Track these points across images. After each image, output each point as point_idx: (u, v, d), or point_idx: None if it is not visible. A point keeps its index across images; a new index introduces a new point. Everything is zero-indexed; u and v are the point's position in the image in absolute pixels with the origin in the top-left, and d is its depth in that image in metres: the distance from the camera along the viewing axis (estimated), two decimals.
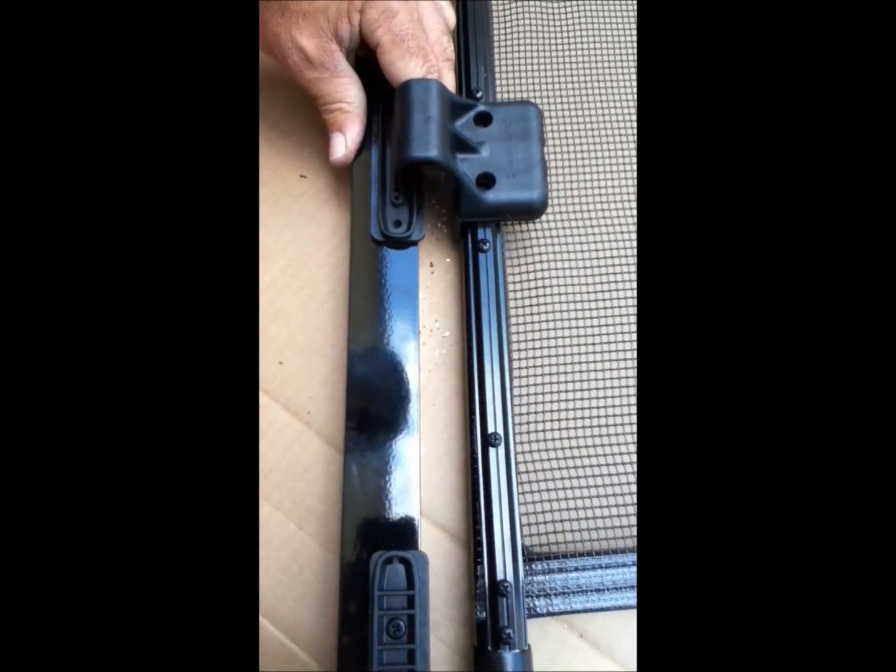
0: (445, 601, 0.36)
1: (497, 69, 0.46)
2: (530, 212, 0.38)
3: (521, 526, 0.34)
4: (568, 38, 0.47)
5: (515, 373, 0.38)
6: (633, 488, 0.35)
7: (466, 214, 0.39)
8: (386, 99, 0.40)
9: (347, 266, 0.40)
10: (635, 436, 0.37)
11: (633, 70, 0.46)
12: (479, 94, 0.43)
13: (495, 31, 0.47)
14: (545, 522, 0.35)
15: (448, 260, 0.44)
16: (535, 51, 0.46)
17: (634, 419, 0.37)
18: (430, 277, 0.43)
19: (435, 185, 0.43)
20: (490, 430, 0.35)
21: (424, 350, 0.42)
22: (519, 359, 0.39)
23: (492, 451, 0.35)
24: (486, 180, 0.39)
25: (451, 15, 0.43)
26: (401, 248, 0.40)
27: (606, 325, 0.39)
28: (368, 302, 0.38)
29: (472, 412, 0.36)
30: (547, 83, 0.46)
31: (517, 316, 0.40)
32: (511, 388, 0.37)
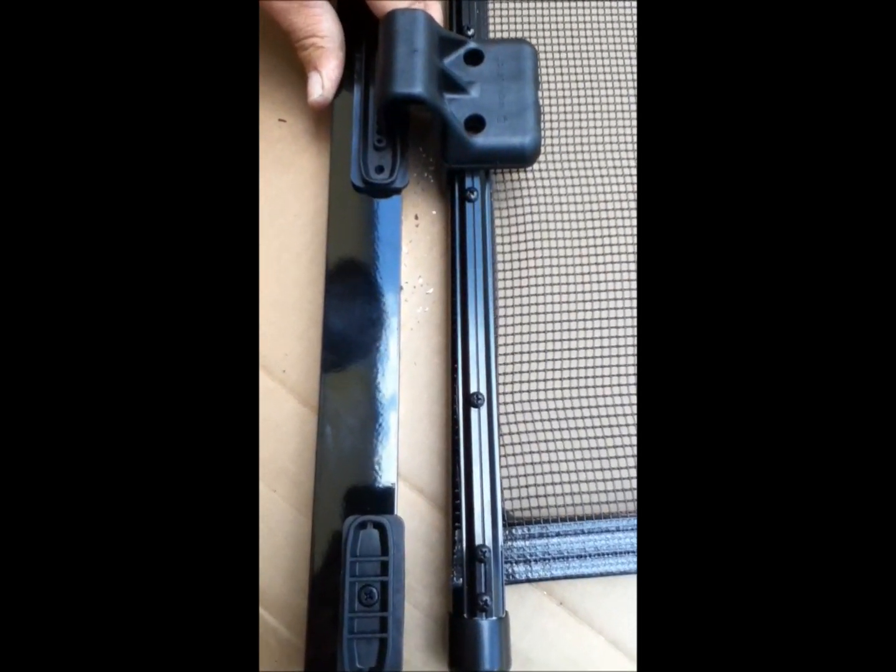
0: (422, 566, 0.35)
1: (490, 6, 0.42)
2: (521, 158, 0.36)
3: (503, 490, 0.33)
4: None
5: (501, 331, 0.36)
6: (620, 452, 0.34)
7: (454, 160, 0.36)
8: (370, 33, 0.37)
9: (326, 215, 0.38)
10: (625, 398, 0.35)
11: (636, 9, 0.43)
12: (470, 32, 0.40)
13: None
14: (527, 486, 0.33)
15: (434, 212, 0.41)
16: None
17: (625, 380, 0.35)
18: (415, 230, 0.41)
19: (422, 131, 0.40)
20: (472, 389, 0.33)
21: (406, 307, 0.39)
22: (505, 315, 0.36)
23: (473, 411, 0.33)
24: (476, 123, 0.36)
25: None
26: (383, 196, 0.37)
27: (600, 282, 0.37)
28: (346, 252, 0.36)
29: (455, 370, 0.34)
30: (544, 21, 0.42)
31: (505, 271, 0.38)
32: (496, 347, 0.35)
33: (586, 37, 0.42)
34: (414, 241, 0.41)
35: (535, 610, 0.34)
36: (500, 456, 0.33)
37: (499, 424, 0.33)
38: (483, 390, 0.33)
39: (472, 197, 0.37)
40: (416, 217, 0.41)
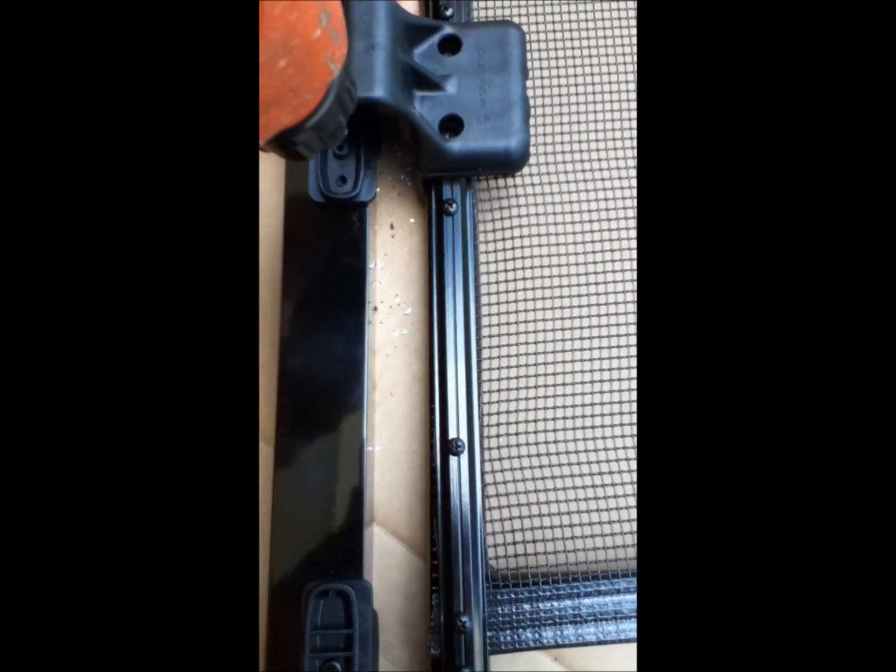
0: (399, 620, 0.32)
1: None
2: (507, 164, 0.31)
3: (486, 547, 0.29)
4: None
5: (485, 363, 0.32)
6: (618, 503, 0.30)
7: (428, 168, 0.32)
8: None
9: None
10: (626, 439, 0.31)
11: None
12: (448, 12, 0.35)
13: None
14: (514, 543, 0.30)
15: (412, 220, 0.37)
16: None
17: (626, 420, 0.31)
18: (391, 242, 0.37)
19: (398, 127, 0.35)
20: (452, 434, 0.30)
21: (382, 330, 0.35)
22: (490, 346, 0.32)
23: (453, 460, 0.29)
24: (453, 124, 0.31)
25: None
26: (347, 212, 0.33)
27: (599, 305, 0.33)
28: (304, 277, 0.32)
29: (432, 412, 0.31)
30: (535, 3, 0.37)
31: (490, 294, 0.33)
32: (479, 384, 0.31)
33: (586, 21, 0.37)
34: (390, 253, 0.36)
35: (528, 663, 0.31)
36: (486, 508, 0.29)
37: (482, 473, 0.29)
38: (464, 435, 0.30)
39: (451, 209, 0.32)
40: (392, 227, 0.37)
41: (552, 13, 0.37)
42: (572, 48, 0.36)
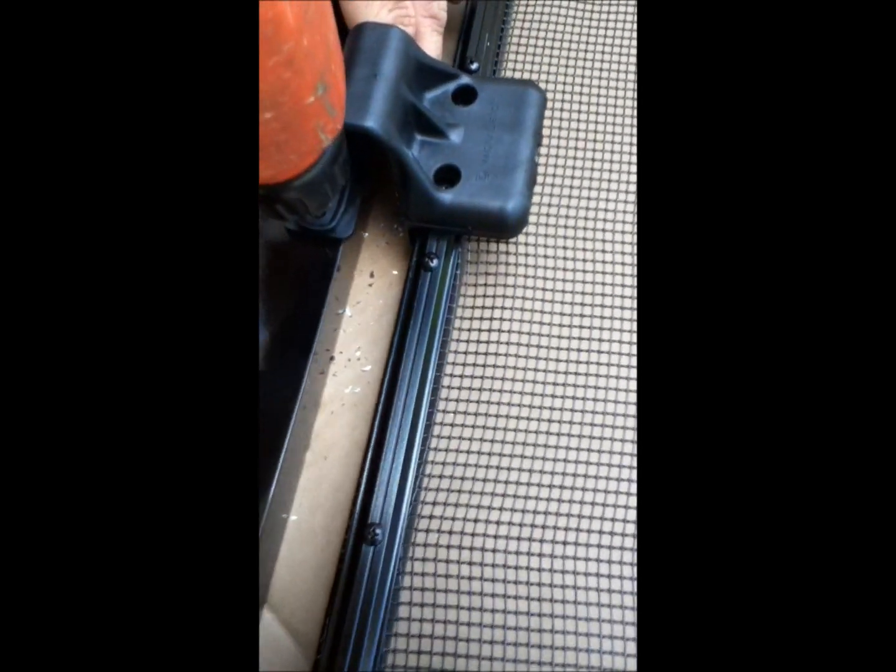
0: None
1: (508, 44, 0.35)
2: (500, 226, 0.28)
3: (387, 651, 0.24)
4: (604, 29, 0.36)
5: (433, 442, 0.28)
6: (584, 626, 0.24)
7: (415, 216, 0.29)
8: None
9: None
10: (581, 564, 0.26)
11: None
12: (473, 66, 0.33)
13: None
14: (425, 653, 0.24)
15: (395, 272, 0.34)
16: (560, 31, 0.36)
17: (590, 540, 0.26)
18: (366, 291, 0.33)
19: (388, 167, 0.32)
20: (372, 518, 0.25)
21: (333, 384, 0.31)
22: (442, 424, 0.28)
23: (366, 550, 0.24)
24: (449, 175, 0.28)
25: None
26: (318, 245, 0.29)
27: (581, 400, 0.28)
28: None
29: (358, 489, 0.26)
30: (563, 72, 0.35)
31: (455, 365, 0.29)
32: (418, 466, 0.26)
33: (611, 93, 0.35)
34: (363, 303, 0.33)
35: None
36: (391, 619, 0.24)
37: (396, 573, 0.24)
38: (387, 521, 0.25)
39: (432, 264, 0.29)
40: (372, 275, 0.34)
41: (580, 85, 0.35)
42: (593, 125, 0.34)
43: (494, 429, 0.28)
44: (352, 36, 0.27)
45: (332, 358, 0.32)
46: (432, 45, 0.30)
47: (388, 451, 0.26)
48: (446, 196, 0.28)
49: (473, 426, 0.28)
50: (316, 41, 0.18)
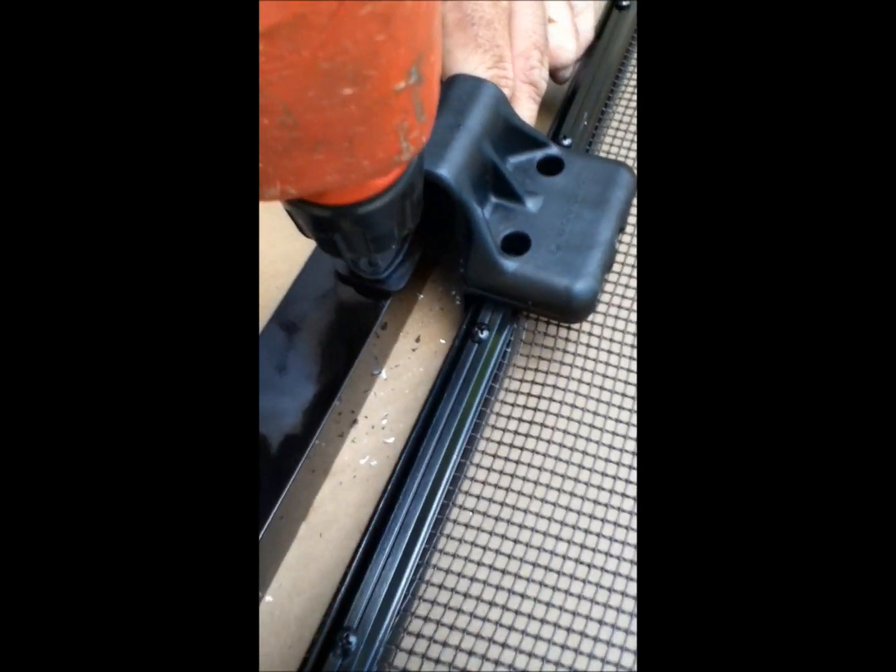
0: None
1: (607, 127, 0.33)
2: (564, 307, 0.24)
3: None
4: None
5: (442, 541, 0.23)
6: None
7: (473, 281, 0.26)
8: None
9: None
10: None
11: None
12: (566, 142, 0.31)
13: (628, 76, 0.35)
14: None
15: (443, 341, 0.30)
16: None
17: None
18: (408, 356, 0.30)
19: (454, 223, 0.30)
20: (348, 622, 0.20)
21: (350, 451, 0.28)
22: (457, 521, 0.23)
23: (332, 661, 0.20)
24: (517, 244, 0.25)
25: (567, 43, 0.31)
26: (363, 295, 0.27)
27: (629, 530, 0.23)
28: (275, 346, 0.26)
29: (343, 581, 0.22)
30: None
31: (486, 454, 0.25)
32: (417, 567, 0.22)
33: None
34: (401, 367, 0.30)
35: None
36: None
37: None
38: (366, 628, 0.20)
39: (481, 335, 0.26)
40: (418, 340, 0.31)
41: None
42: None
43: (515, 541, 0.23)
44: (443, 86, 0.26)
45: (355, 421, 0.29)
46: (526, 112, 0.28)
47: (385, 544, 0.21)
48: (510, 264, 0.25)
49: (491, 533, 0.23)
50: (420, 10, 0.14)
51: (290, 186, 0.16)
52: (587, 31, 0.33)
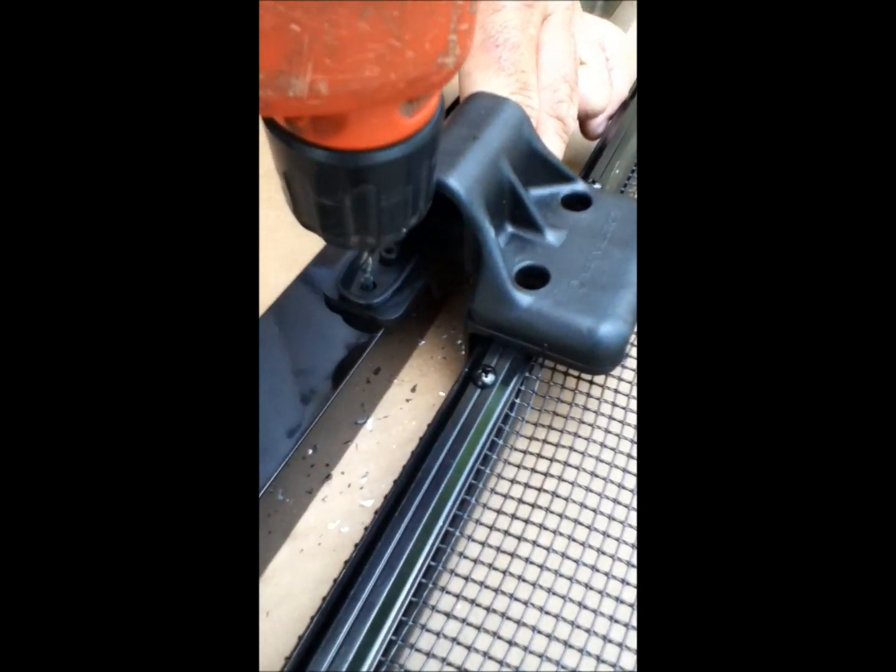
0: None
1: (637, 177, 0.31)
2: (587, 353, 0.20)
3: None
4: None
5: (415, 634, 0.18)
6: None
7: (481, 316, 0.22)
8: None
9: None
10: None
11: None
12: (595, 185, 0.28)
13: None
14: None
15: (442, 394, 0.26)
16: None
17: None
18: (400, 406, 0.26)
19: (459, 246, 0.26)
20: None
21: (317, 512, 0.23)
22: (437, 608, 0.18)
23: None
24: (533, 280, 0.22)
25: (601, 86, 0.29)
26: (352, 324, 0.23)
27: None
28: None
29: None
30: None
31: (481, 524, 0.20)
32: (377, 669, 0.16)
33: None
34: (391, 419, 0.26)
35: None
36: None
37: None
38: None
39: (485, 379, 0.21)
40: (414, 389, 0.26)
41: None
42: None
43: (511, 643, 0.17)
44: (462, 103, 0.24)
45: (328, 476, 0.24)
46: (552, 148, 0.26)
47: (336, 633, 0.16)
48: (525, 298, 0.21)
49: (480, 629, 0.18)
50: None
51: (321, 77, 0.13)
52: (622, 87, 0.31)
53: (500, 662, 0.17)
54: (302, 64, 0.13)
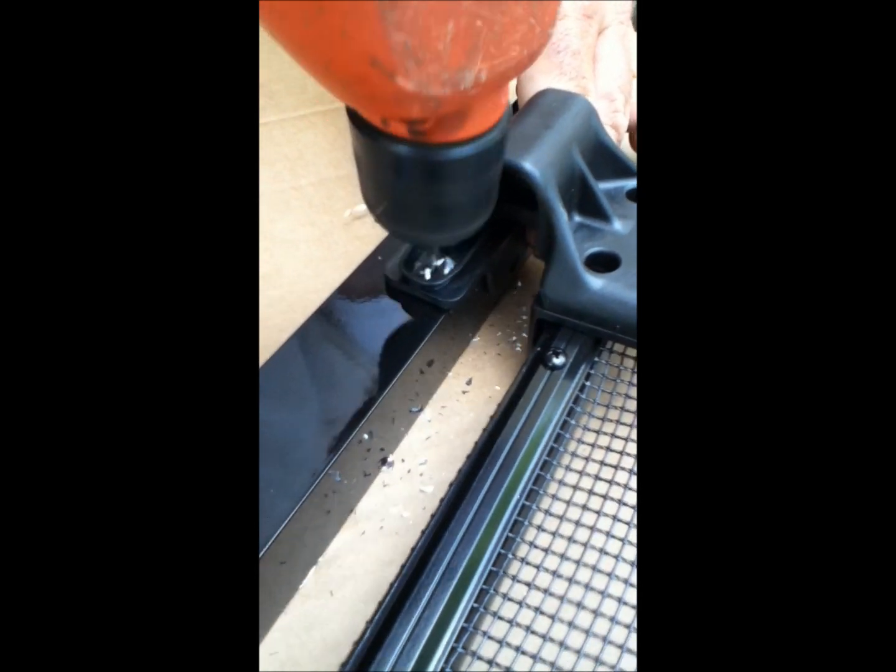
0: None
1: None
2: None
3: None
4: None
5: (487, 620, 0.16)
6: None
7: (551, 301, 0.21)
8: None
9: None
10: None
11: None
12: None
13: None
14: None
15: (498, 388, 0.25)
16: None
17: None
18: (458, 398, 0.25)
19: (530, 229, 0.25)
20: None
21: (379, 496, 0.22)
22: (509, 596, 0.17)
23: None
24: (604, 264, 0.21)
25: None
26: (412, 310, 0.22)
27: None
28: (305, 352, 0.21)
29: (349, 659, 0.15)
30: None
31: (551, 514, 0.19)
32: (449, 654, 0.15)
33: None
34: (449, 410, 0.24)
35: None
36: None
37: None
38: None
39: (556, 360, 0.20)
40: (469, 382, 0.25)
41: None
42: None
43: (588, 633, 0.16)
44: (531, 98, 0.23)
45: (386, 461, 0.23)
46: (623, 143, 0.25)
47: (409, 615, 0.15)
48: (596, 281, 0.20)
49: (553, 618, 0.16)
50: None
51: (486, 65, 0.13)
52: None
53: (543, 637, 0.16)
54: (476, 56, 0.13)
